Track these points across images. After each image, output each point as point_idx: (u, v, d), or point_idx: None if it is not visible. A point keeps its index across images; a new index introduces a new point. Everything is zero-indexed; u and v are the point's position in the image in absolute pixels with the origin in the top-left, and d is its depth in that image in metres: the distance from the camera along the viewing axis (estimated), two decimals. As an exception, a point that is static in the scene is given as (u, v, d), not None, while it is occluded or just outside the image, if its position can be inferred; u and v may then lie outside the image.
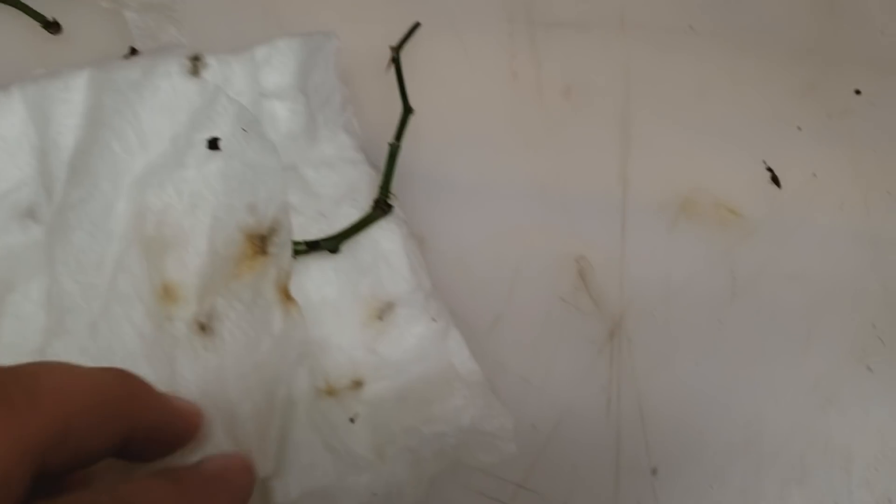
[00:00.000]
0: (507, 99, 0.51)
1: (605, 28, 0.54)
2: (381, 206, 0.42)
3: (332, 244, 0.41)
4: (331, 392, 0.40)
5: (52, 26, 0.49)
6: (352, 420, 0.39)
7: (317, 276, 0.43)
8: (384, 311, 0.42)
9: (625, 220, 0.47)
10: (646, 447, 0.43)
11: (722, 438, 0.44)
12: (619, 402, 0.43)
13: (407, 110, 0.46)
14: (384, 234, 0.44)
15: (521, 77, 0.51)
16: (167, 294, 0.39)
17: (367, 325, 0.42)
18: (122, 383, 0.29)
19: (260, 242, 0.40)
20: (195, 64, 0.44)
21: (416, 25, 0.45)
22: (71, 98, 0.43)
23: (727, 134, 0.51)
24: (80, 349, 0.38)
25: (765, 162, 0.51)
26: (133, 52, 0.48)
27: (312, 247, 0.42)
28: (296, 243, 0.42)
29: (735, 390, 0.45)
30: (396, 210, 0.45)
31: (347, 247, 0.43)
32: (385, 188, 0.43)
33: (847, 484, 0.45)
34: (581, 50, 0.53)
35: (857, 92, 0.54)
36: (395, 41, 0.48)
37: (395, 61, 0.46)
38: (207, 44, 0.48)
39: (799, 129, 0.52)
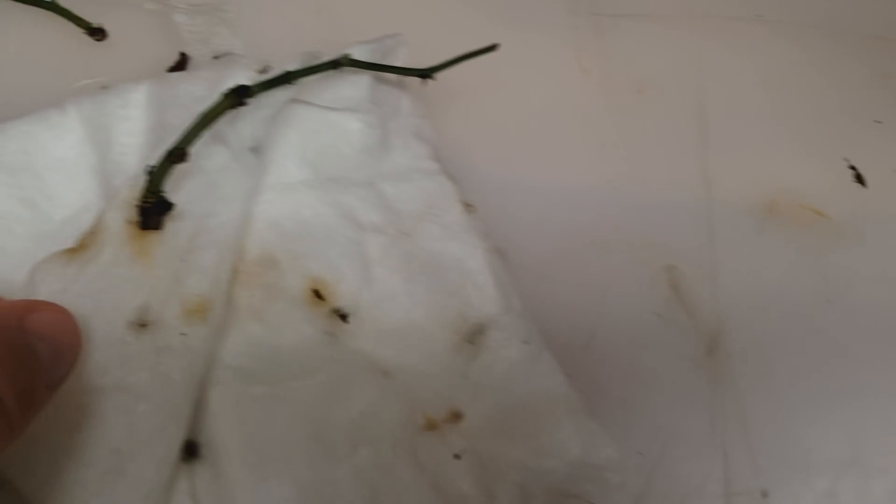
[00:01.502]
0: (578, 97, 0.48)
1: (670, 18, 0.52)
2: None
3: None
4: (431, 426, 0.38)
5: (97, 32, 0.46)
6: (457, 456, 0.37)
7: (405, 299, 0.40)
8: (475, 335, 0.40)
9: (712, 224, 0.45)
10: (754, 468, 0.41)
11: (828, 454, 0.42)
12: (723, 421, 0.41)
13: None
14: (468, 251, 0.42)
15: (592, 73, 0.49)
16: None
17: (458, 350, 0.40)
18: None
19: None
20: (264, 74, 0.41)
21: (493, 47, 0.42)
22: (131, 115, 0.41)
23: (804, 129, 0.49)
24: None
25: (846, 160, 0.49)
26: (183, 57, 0.45)
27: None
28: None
29: (838, 402, 0.43)
30: (477, 222, 0.42)
31: (433, 268, 0.41)
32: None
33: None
34: (648, 42, 0.51)
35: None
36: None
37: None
38: (261, 46, 0.46)
39: (878, 122, 0.50)
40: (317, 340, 0.39)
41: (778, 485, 0.41)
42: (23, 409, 0.27)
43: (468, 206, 0.43)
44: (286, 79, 0.38)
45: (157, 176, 0.35)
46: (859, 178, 0.48)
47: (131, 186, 0.36)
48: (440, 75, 0.42)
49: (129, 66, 0.46)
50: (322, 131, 0.42)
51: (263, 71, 0.40)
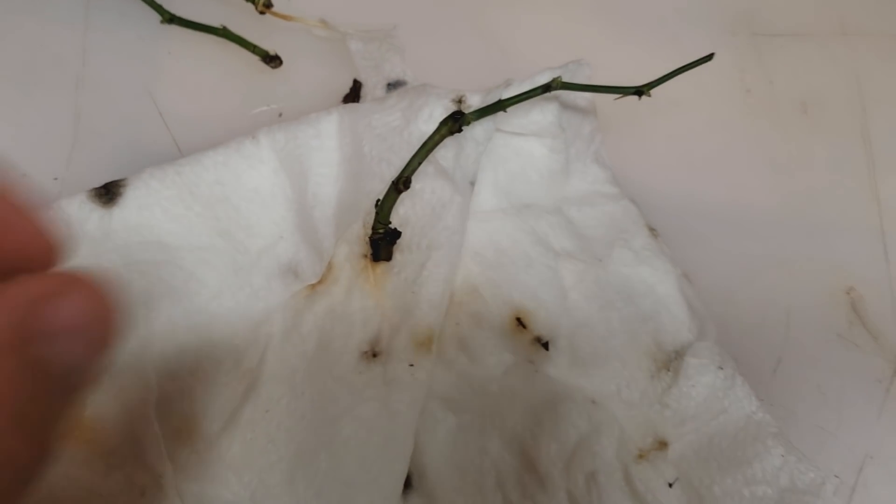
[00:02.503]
0: (743, 117, 0.48)
1: (827, 35, 0.51)
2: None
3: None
4: (641, 455, 0.38)
5: (273, 60, 0.46)
6: (670, 485, 0.37)
7: (601, 326, 0.40)
8: (671, 362, 0.40)
9: (885, 243, 0.45)
10: (952, 491, 0.41)
11: None
12: (917, 443, 0.41)
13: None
14: (659, 276, 0.42)
15: (755, 93, 0.49)
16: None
17: (656, 378, 0.40)
18: None
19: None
20: (459, 106, 0.41)
21: (709, 57, 0.42)
22: (324, 145, 0.41)
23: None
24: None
25: None
26: (356, 84, 0.46)
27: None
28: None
29: None
30: (663, 245, 0.43)
31: (626, 294, 0.41)
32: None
33: None
34: (808, 60, 0.51)
35: None
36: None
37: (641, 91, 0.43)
38: (428, 72, 0.45)
39: None
40: (520, 369, 0.39)
41: (976, 507, 0.40)
42: (29, 442, 0.22)
43: (652, 231, 0.43)
44: (500, 106, 0.38)
45: (385, 207, 0.36)
46: None
47: (362, 222, 0.37)
48: (607, 104, 0.42)
49: (304, 93, 0.46)
50: (511, 158, 0.42)
51: (458, 101, 0.40)
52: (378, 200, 0.36)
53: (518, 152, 0.42)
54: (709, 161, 0.47)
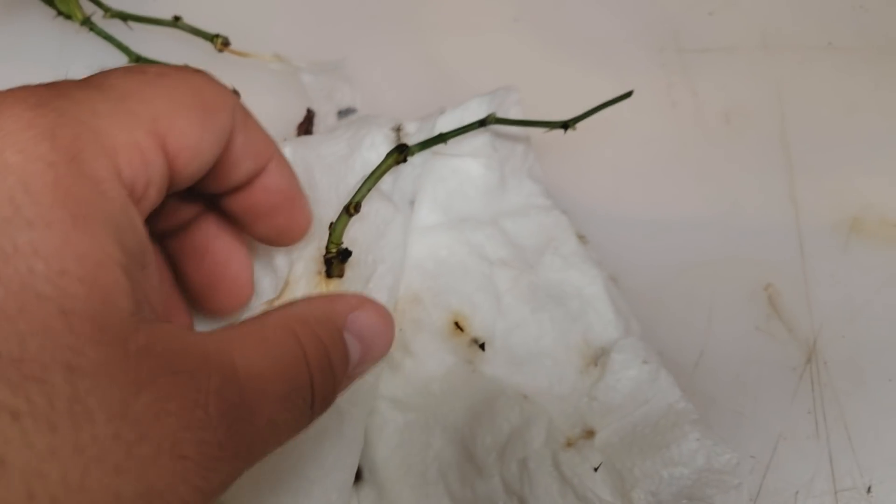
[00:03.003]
0: (670, 129, 0.52)
1: (750, 50, 0.55)
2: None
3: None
4: (570, 444, 0.42)
5: (232, 94, 0.50)
6: (595, 469, 0.41)
7: (533, 327, 0.44)
8: (599, 357, 0.44)
9: (802, 243, 0.49)
10: (857, 466, 0.45)
11: (926, 451, 0.46)
12: (825, 424, 0.45)
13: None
14: (586, 279, 0.46)
15: (681, 105, 0.53)
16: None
17: (585, 373, 0.44)
18: None
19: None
20: (398, 134, 0.45)
21: (629, 94, 0.46)
22: None
23: (883, 149, 0.53)
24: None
25: (923, 176, 0.52)
26: (309, 112, 0.50)
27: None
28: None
29: (931, 403, 0.47)
30: (591, 251, 0.47)
31: (556, 296, 0.45)
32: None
33: None
34: (731, 74, 0.55)
35: None
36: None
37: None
38: (377, 99, 0.50)
39: (949, 140, 0.54)
40: (460, 369, 0.43)
41: (881, 480, 0.45)
42: (319, 404, 0.28)
43: (581, 238, 0.48)
44: (441, 139, 0.42)
45: (337, 229, 0.40)
46: (936, 193, 0.52)
47: (316, 244, 0.41)
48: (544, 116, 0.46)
49: (261, 122, 0.50)
50: (448, 177, 0.46)
51: (396, 129, 0.44)
52: (331, 224, 0.40)
53: (455, 171, 0.46)
54: (636, 171, 0.51)
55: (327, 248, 0.40)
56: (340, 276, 0.41)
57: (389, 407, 0.42)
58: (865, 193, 0.51)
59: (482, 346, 0.43)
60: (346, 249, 0.41)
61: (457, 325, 0.43)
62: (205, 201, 0.37)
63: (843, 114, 0.54)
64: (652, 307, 0.47)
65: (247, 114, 0.33)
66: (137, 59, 0.50)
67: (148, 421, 0.21)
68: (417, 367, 0.43)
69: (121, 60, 0.50)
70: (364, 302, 0.32)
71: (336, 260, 0.41)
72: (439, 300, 0.44)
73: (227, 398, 0.23)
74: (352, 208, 0.40)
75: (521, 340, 0.44)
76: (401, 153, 0.41)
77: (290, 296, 0.41)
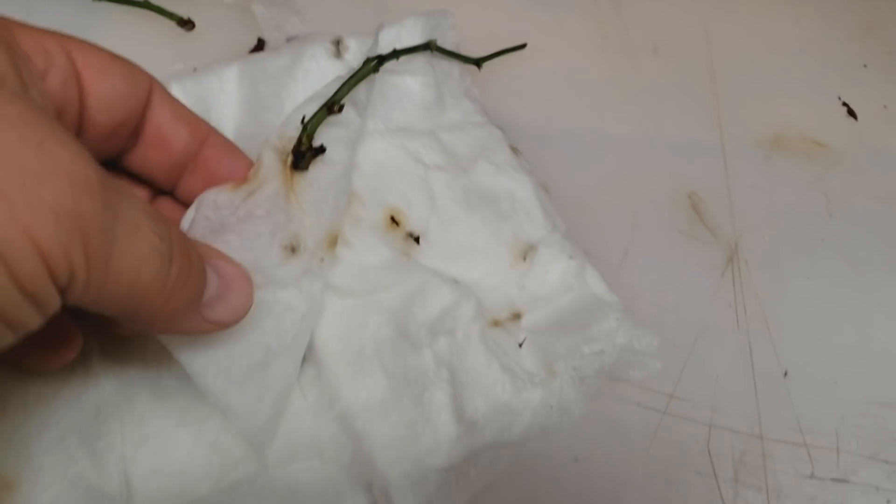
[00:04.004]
0: (602, 59, 0.56)
1: (679, -12, 0.59)
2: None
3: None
4: (496, 324, 0.44)
5: (187, 24, 0.54)
6: (520, 345, 0.44)
7: (466, 224, 0.47)
8: (527, 252, 0.47)
9: (725, 158, 0.53)
10: (775, 354, 0.48)
11: (839, 342, 0.49)
12: (745, 316, 0.48)
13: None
14: (517, 184, 0.49)
15: (612, 39, 0.57)
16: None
17: (514, 266, 0.47)
18: None
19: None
20: (337, 47, 0.48)
21: (522, 46, 0.50)
22: (226, 89, 0.48)
23: (802, 74, 0.56)
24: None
25: (840, 98, 0.56)
26: (260, 41, 0.53)
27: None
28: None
29: (845, 299, 0.50)
30: (523, 161, 0.50)
31: (488, 198, 0.48)
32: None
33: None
34: (662, 12, 0.58)
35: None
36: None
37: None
38: (325, 30, 0.53)
39: (865, 66, 0.57)
40: (395, 259, 0.46)
41: (796, 366, 0.47)
42: (176, 293, 0.30)
43: (514, 149, 0.51)
44: (395, 55, 0.46)
45: (312, 123, 0.42)
46: (851, 113, 0.55)
47: (280, 136, 0.43)
48: (487, 47, 0.50)
49: (215, 52, 0.54)
50: (389, 91, 0.49)
51: (336, 43, 0.48)
52: (304, 118, 0.42)
53: (395, 87, 0.49)
54: (571, 96, 0.54)
55: (299, 140, 0.42)
56: (305, 169, 0.43)
57: (328, 293, 0.44)
58: (787, 114, 0.55)
59: (417, 240, 0.46)
60: (322, 146, 0.43)
61: (392, 219, 0.46)
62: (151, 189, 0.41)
63: (766, 46, 0.57)
64: (580, 212, 0.50)
65: (167, 90, 0.38)
66: (101, -3, 0.53)
67: None
68: (355, 257, 0.45)
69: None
70: (229, 259, 0.35)
71: (308, 154, 0.42)
72: (376, 197, 0.46)
73: None
74: (335, 107, 0.42)
75: (454, 237, 0.47)
76: (379, 64, 0.45)
77: (258, 181, 0.42)
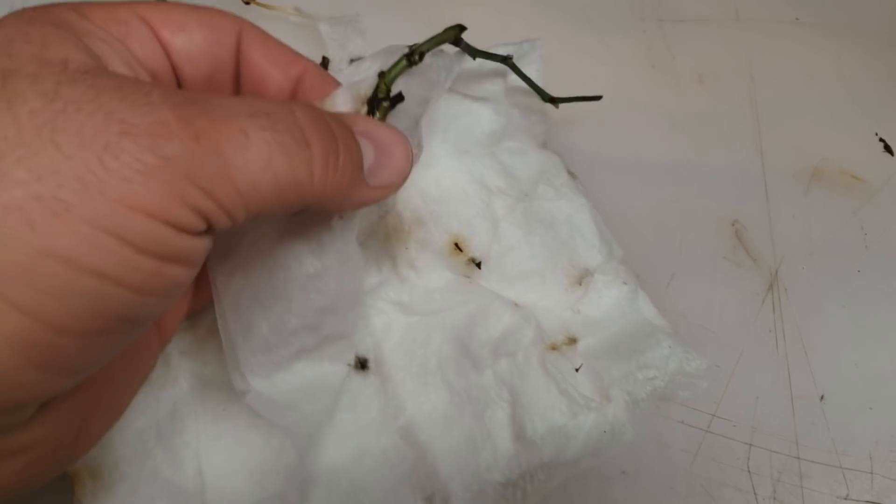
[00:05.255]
0: (649, 88, 0.58)
1: (723, 21, 0.62)
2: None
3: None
4: (553, 348, 0.47)
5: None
6: (577, 370, 0.46)
7: (525, 249, 0.49)
8: (583, 277, 0.49)
9: (767, 188, 0.55)
10: (812, 378, 0.50)
11: (874, 368, 0.51)
12: (784, 341, 0.51)
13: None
14: (575, 208, 0.51)
15: (659, 67, 0.59)
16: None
17: (570, 290, 0.49)
18: None
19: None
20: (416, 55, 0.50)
21: (598, 97, 0.52)
22: None
23: (841, 110, 0.59)
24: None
25: (877, 133, 0.59)
26: (324, 59, 0.56)
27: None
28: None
29: (880, 327, 0.53)
30: (580, 185, 0.52)
31: (547, 222, 0.50)
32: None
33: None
34: (706, 42, 0.61)
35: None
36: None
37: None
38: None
39: (901, 103, 0.60)
40: (458, 281, 0.49)
41: (833, 390, 0.50)
42: (332, 174, 0.29)
43: (572, 174, 0.53)
44: (471, 52, 0.46)
45: (392, 72, 0.40)
46: (888, 149, 0.58)
47: (354, 86, 0.40)
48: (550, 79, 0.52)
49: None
50: (462, 115, 0.51)
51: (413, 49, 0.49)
52: (381, 71, 0.40)
53: (468, 111, 0.50)
54: (619, 121, 0.57)
55: (377, 88, 0.39)
56: (382, 119, 0.39)
57: (395, 310, 0.47)
58: (825, 147, 0.57)
59: (479, 265, 0.48)
60: (400, 94, 0.40)
61: (456, 245, 0.48)
62: None
63: (807, 79, 0.60)
64: (628, 236, 0.52)
65: (261, 30, 0.37)
66: (172, 10, 0.55)
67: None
68: (421, 279, 0.48)
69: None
70: (379, 124, 0.34)
71: (386, 102, 0.40)
72: (441, 223, 0.48)
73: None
74: (416, 56, 0.40)
75: (513, 261, 0.49)
76: (460, 32, 0.44)
77: None
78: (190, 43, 0.33)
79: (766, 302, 0.51)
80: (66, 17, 0.28)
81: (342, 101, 0.38)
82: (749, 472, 0.47)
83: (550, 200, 0.50)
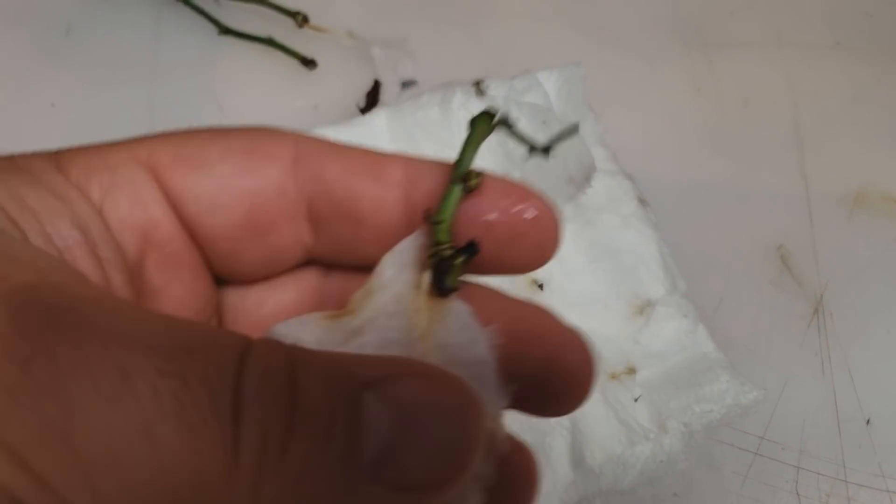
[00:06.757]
0: (695, 111, 0.59)
1: (766, 45, 0.63)
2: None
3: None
4: (613, 377, 0.48)
5: (309, 63, 0.57)
6: (636, 400, 0.47)
7: (588, 276, 0.50)
8: (644, 308, 0.50)
9: (811, 213, 0.57)
10: (858, 401, 0.52)
11: (919, 391, 0.53)
12: (830, 365, 0.52)
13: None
14: (641, 238, 0.51)
15: (704, 91, 0.60)
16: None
17: (631, 320, 0.50)
18: None
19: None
20: (479, 88, 0.51)
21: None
22: (378, 139, 0.49)
23: (883, 134, 0.60)
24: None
25: (918, 158, 0.60)
26: (376, 83, 0.56)
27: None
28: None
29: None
30: (650, 213, 0.52)
31: (612, 251, 0.50)
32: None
33: None
34: (750, 65, 0.62)
35: None
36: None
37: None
38: (435, 73, 0.56)
39: (943, 128, 0.61)
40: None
41: (879, 414, 0.51)
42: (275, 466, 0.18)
43: (642, 201, 0.53)
44: (507, 125, 0.45)
45: (447, 207, 0.26)
46: (929, 174, 0.59)
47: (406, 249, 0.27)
48: (597, 103, 0.53)
49: (334, 90, 0.57)
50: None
51: (477, 84, 0.50)
52: (427, 211, 0.26)
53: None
54: (664, 145, 0.58)
55: (436, 241, 0.26)
56: (454, 289, 0.26)
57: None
58: (868, 172, 0.59)
59: (541, 287, 0.49)
60: (473, 243, 0.26)
61: (519, 268, 0.49)
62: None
63: (848, 104, 0.61)
64: (676, 259, 0.53)
65: (324, 140, 0.27)
66: (226, 31, 0.56)
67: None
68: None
69: (211, 31, 0.56)
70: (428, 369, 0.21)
71: (453, 261, 0.26)
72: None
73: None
74: (471, 179, 0.26)
75: (576, 286, 0.50)
76: (491, 119, 0.27)
77: (370, 312, 0.26)
78: (210, 183, 0.26)
79: (811, 326, 0.53)
80: (28, 167, 0.23)
81: (392, 276, 0.26)
82: (798, 494, 0.49)
83: (616, 229, 0.51)
